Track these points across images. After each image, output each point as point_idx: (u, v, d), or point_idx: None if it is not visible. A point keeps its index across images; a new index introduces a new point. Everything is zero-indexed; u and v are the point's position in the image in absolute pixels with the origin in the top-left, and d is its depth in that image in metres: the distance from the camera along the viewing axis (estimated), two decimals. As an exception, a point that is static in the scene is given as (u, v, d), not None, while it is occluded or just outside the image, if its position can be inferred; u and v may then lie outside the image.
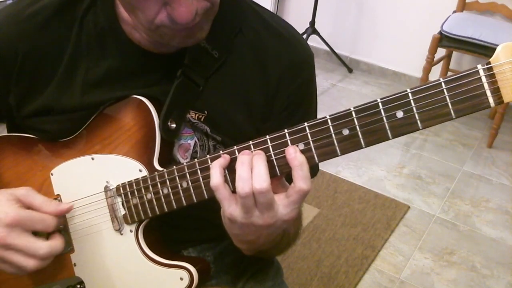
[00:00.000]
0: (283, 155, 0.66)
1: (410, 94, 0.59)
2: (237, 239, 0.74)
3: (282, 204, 0.66)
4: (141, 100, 0.79)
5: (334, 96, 3.42)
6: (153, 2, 0.66)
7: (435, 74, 3.23)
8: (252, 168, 0.65)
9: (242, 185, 0.64)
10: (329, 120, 0.63)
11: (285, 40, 0.85)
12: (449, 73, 3.29)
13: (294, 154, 0.65)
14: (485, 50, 2.72)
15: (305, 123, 0.64)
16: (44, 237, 0.77)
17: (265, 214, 0.66)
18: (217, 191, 0.67)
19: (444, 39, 2.86)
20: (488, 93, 0.56)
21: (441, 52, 3.07)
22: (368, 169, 2.68)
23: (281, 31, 0.86)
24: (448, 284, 2.04)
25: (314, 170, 0.95)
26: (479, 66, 0.56)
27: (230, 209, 0.67)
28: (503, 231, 2.34)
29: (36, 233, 0.75)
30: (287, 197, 0.66)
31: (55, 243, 0.76)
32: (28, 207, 0.75)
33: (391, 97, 0.60)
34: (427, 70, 3.00)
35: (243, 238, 0.72)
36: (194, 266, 0.77)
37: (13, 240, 0.71)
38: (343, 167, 2.66)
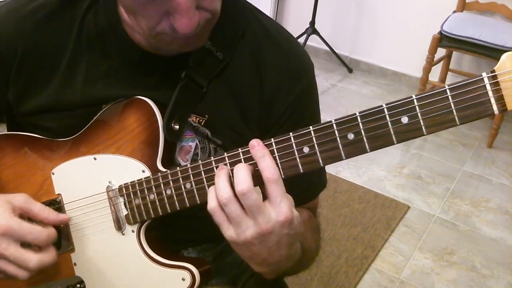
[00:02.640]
0: (288, 158, 0.66)
1: (415, 100, 0.59)
2: (254, 262, 0.71)
3: (270, 206, 0.64)
4: (145, 101, 0.79)
5: (334, 96, 3.42)
6: (155, 11, 0.66)
7: (435, 74, 3.23)
8: (234, 175, 0.64)
9: (221, 193, 0.64)
10: (334, 124, 0.63)
11: (283, 50, 0.85)
12: (449, 73, 3.30)
13: (257, 146, 0.65)
14: (485, 50, 2.72)
15: (311, 127, 0.64)
16: (35, 248, 0.75)
17: (258, 220, 0.63)
18: (213, 214, 0.66)
19: (444, 39, 2.86)
20: (492, 100, 0.56)
21: (441, 52, 3.07)
22: (368, 169, 2.68)
23: (280, 41, 0.85)
24: (448, 284, 2.04)
25: (322, 182, 0.94)
26: (484, 74, 0.56)
27: (229, 231, 0.66)
28: (503, 231, 2.34)
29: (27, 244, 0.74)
30: (268, 196, 0.64)
31: (46, 256, 0.74)
32: (26, 214, 0.74)
33: (396, 103, 0.60)
34: (427, 70, 3.00)
35: (257, 259, 0.69)
36: (196, 267, 0.77)
37: (4, 251, 0.71)
38: (343, 167, 2.66)
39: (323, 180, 0.95)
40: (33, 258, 0.72)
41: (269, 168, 0.64)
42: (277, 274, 0.75)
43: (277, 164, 0.66)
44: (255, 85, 0.83)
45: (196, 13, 0.66)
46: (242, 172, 0.64)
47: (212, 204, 0.65)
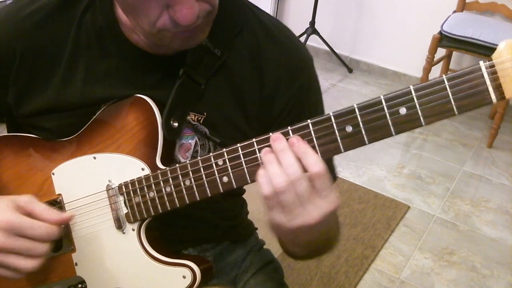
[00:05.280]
0: None
1: (413, 91, 0.59)
2: (290, 243, 0.72)
3: (319, 198, 0.64)
4: (144, 99, 0.79)
5: (334, 96, 3.42)
6: (154, 5, 0.66)
7: (435, 74, 3.22)
8: (300, 157, 0.63)
9: (279, 180, 0.63)
10: (332, 117, 0.63)
11: (282, 45, 0.85)
12: (449, 73, 3.29)
13: (297, 143, 0.64)
14: (485, 50, 2.72)
15: (309, 120, 0.64)
16: None
17: (309, 209, 0.64)
18: (268, 200, 0.66)
19: (444, 39, 2.86)
20: (490, 89, 0.56)
21: (441, 52, 3.07)
22: (368, 169, 2.68)
23: (279, 35, 0.85)
24: (448, 284, 2.04)
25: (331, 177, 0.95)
26: (481, 63, 0.56)
27: (279, 215, 0.66)
28: (503, 231, 2.34)
29: None
30: (316, 190, 0.64)
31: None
32: (29, 215, 0.74)
33: (394, 94, 0.60)
34: (427, 70, 3.00)
35: (296, 240, 0.71)
36: (197, 265, 0.77)
37: (10, 244, 0.71)
38: (343, 167, 2.66)
39: (333, 175, 0.94)
40: (43, 246, 0.73)
41: (314, 165, 0.63)
42: (304, 253, 0.77)
43: None
44: (255, 81, 0.83)
45: (196, 4, 0.66)
46: (313, 154, 0.63)
47: (267, 190, 0.64)
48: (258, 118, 0.85)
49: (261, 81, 0.83)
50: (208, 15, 0.71)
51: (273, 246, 1.04)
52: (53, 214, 0.75)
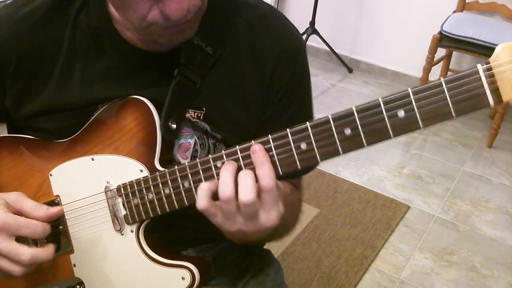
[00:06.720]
0: (286, 155, 0.66)
1: (411, 94, 0.59)
2: (226, 234, 0.74)
3: (261, 210, 0.66)
4: (142, 100, 0.79)
5: (334, 96, 3.42)
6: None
7: (435, 74, 3.23)
8: (239, 180, 0.65)
9: (225, 189, 0.65)
10: (331, 120, 0.63)
11: (277, 31, 0.86)
12: (449, 73, 3.29)
13: (258, 152, 0.65)
14: (485, 50, 2.72)
15: (307, 123, 0.64)
16: (31, 243, 0.76)
17: (248, 222, 0.67)
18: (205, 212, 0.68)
19: (444, 39, 2.86)
20: (488, 92, 0.56)
21: (441, 52, 3.07)
22: (368, 169, 2.68)
23: (273, 22, 0.86)
24: (448, 284, 2.04)
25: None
26: (479, 66, 0.56)
27: (217, 219, 0.68)
28: (503, 231, 2.34)
29: (24, 240, 0.74)
30: (260, 201, 0.66)
31: (40, 251, 0.73)
32: (18, 212, 0.74)
33: (392, 97, 0.60)
34: (427, 70, 3.00)
35: (231, 237, 0.74)
36: (196, 266, 0.77)
37: (3, 248, 0.70)
38: (343, 167, 2.66)
39: None
40: (26, 251, 0.71)
41: (265, 178, 0.65)
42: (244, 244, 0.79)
43: (275, 161, 0.66)
44: (254, 72, 0.84)
45: None
46: (249, 181, 0.65)
47: (203, 204, 0.67)
48: (259, 109, 0.86)
49: (260, 71, 0.84)
50: (198, 11, 0.71)
51: (273, 246, 1.04)
52: (41, 210, 0.75)
